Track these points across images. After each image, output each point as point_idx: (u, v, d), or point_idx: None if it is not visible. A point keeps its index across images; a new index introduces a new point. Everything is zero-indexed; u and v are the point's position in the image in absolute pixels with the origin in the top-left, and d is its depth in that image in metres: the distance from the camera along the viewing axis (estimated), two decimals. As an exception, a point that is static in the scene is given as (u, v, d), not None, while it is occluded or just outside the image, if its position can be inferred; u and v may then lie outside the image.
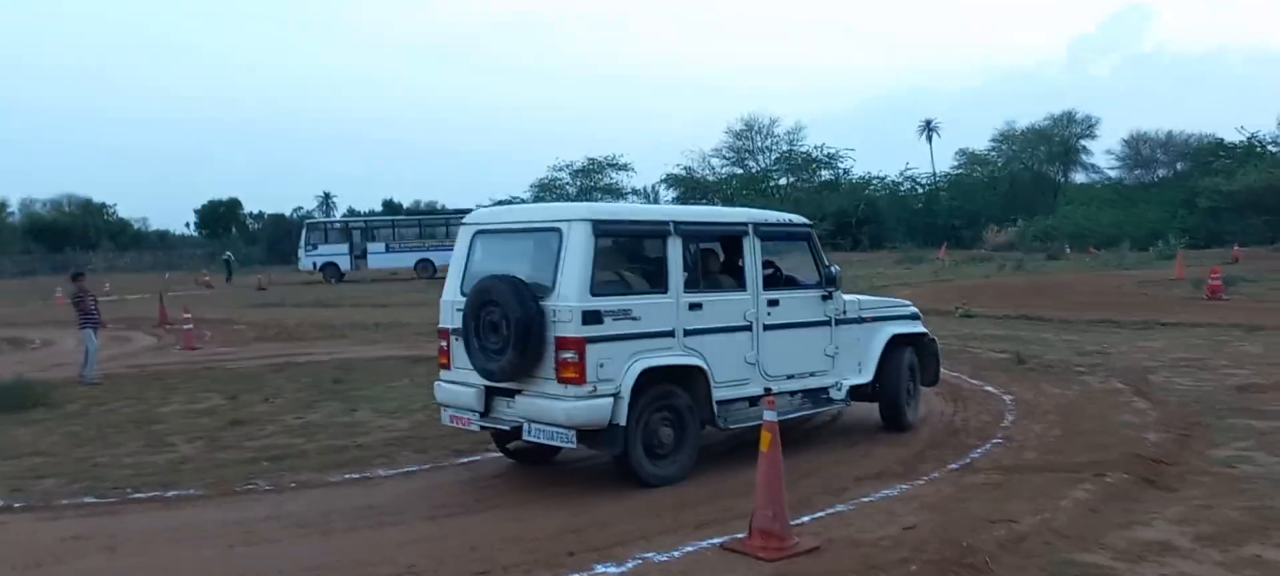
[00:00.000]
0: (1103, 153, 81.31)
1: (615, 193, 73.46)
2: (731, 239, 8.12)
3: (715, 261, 8.12)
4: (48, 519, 6.86)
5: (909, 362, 9.09)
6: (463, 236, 7.89)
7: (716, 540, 5.86)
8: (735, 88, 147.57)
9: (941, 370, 9.88)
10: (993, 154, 74.97)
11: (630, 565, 5.53)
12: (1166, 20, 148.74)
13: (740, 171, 77.40)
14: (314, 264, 45.22)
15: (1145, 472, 7.18)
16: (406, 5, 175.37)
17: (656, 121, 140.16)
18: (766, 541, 5.61)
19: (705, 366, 7.39)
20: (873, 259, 48.47)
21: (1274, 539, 5.65)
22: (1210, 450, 7.88)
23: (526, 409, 7.08)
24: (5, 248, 69.58)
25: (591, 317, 6.86)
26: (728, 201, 64.18)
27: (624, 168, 76.68)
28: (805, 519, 6.24)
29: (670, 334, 7.27)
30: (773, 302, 7.95)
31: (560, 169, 75.94)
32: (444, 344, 7.78)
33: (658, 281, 7.38)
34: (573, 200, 65.03)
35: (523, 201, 70.51)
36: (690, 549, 5.77)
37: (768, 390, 7.70)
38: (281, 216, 79.97)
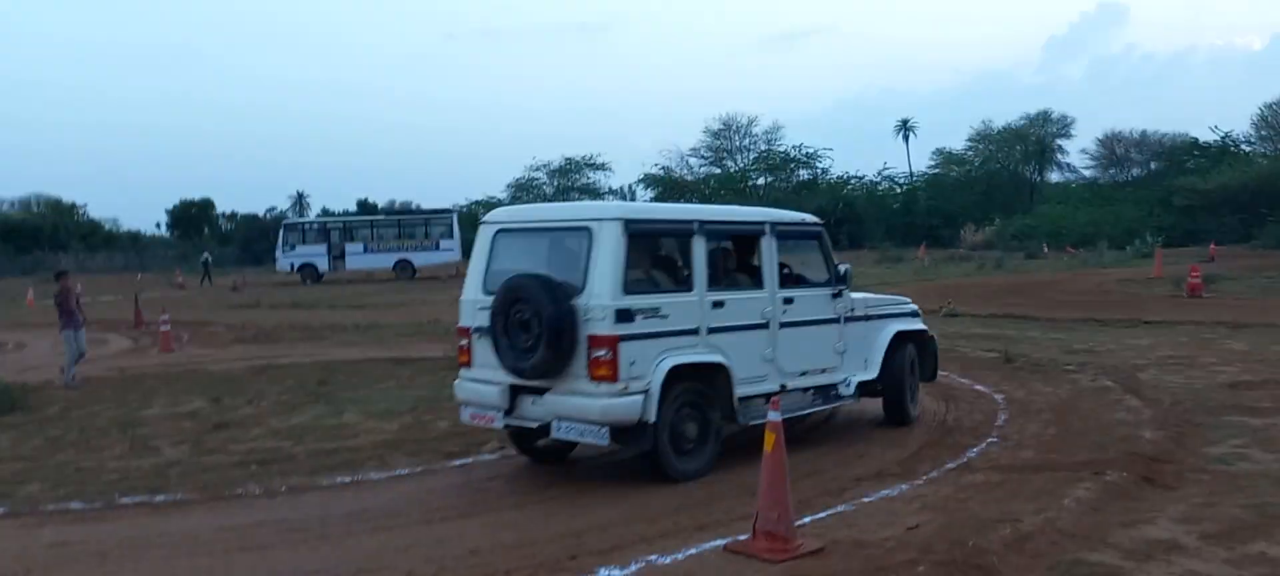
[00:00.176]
0: (1078, 152, 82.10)
1: (593, 193, 73.21)
2: (750, 238, 8.26)
3: (733, 260, 8.23)
4: (33, 525, 6.71)
5: (911, 359, 9.25)
6: (483, 235, 7.92)
7: (719, 542, 5.80)
8: (712, 88, 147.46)
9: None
10: (969, 153, 75.36)
11: (634, 568, 5.45)
12: (1136, 22, 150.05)
13: (718, 171, 77.36)
14: (292, 264, 44.76)
15: (1144, 471, 7.17)
16: (377, 7, 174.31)
17: (633, 122, 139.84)
18: (772, 543, 5.56)
19: (727, 363, 7.50)
20: (853, 258, 47.76)
21: (1278, 536, 5.64)
22: (1206, 448, 7.90)
23: (555, 406, 7.15)
24: (-29, 249, 68.45)
25: (624, 316, 6.96)
26: (706, 201, 64.20)
27: (601, 167, 76.51)
28: (806, 520, 6.19)
29: (695, 332, 7.39)
30: (788, 301, 8.12)
31: (537, 169, 75.68)
32: (464, 342, 7.80)
33: (683, 280, 7.54)
34: (550, 200, 64.91)
35: (500, 202, 70.33)
36: (693, 551, 5.70)
37: (783, 387, 7.91)
38: (255, 216, 79.18)
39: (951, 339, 15.60)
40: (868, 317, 8.93)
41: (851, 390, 8.66)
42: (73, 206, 78.81)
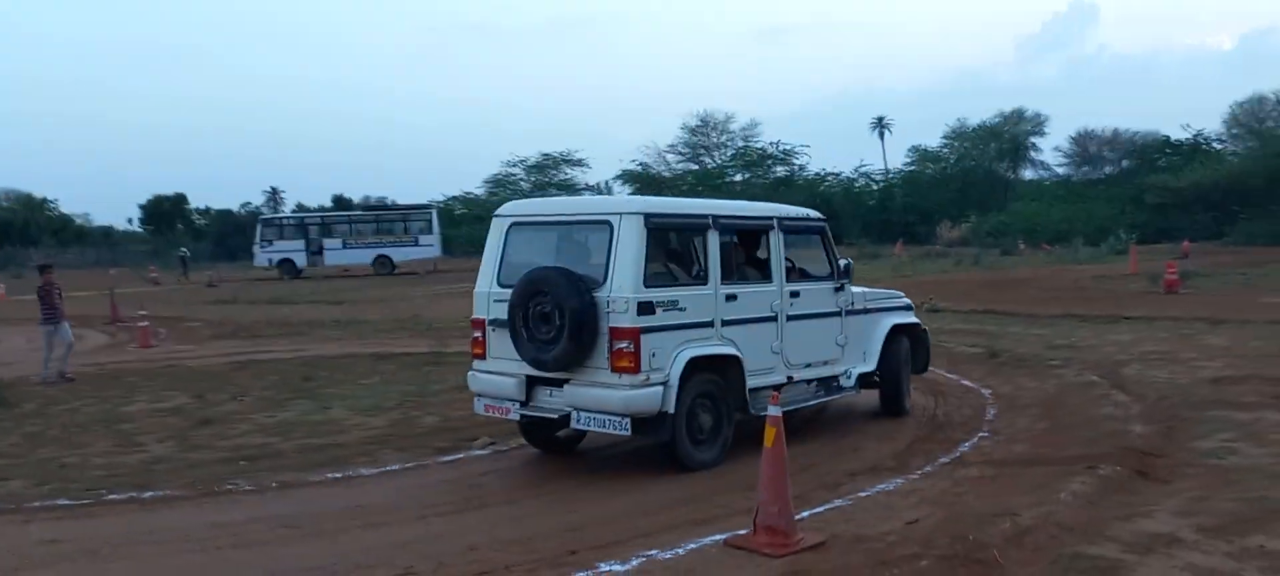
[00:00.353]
0: (1051, 150, 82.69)
1: (570, 188, 72.90)
2: (758, 232, 8.39)
3: (742, 254, 8.33)
4: (19, 521, 6.61)
5: (906, 351, 9.44)
6: (496, 228, 7.96)
7: (719, 536, 5.77)
8: (689, 85, 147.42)
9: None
10: (945, 151, 75.70)
11: (635, 563, 5.41)
12: (1107, 22, 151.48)
13: (696, 167, 77.30)
14: (269, 260, 44.37)
15: (1137, 465, 7.21)
16: (353, 2, 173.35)
17: (611, 118, 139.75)
18: (772, 537, 5.54)
19: (740, 355, 7.62)
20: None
21: (1276, 529, 5.67)
22: (1195, 442, 7.93)
23: (575, 397, 7.21)
24: (-59, 244, 67.43)
25: (645, 308, 7.05)
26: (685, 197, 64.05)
27: (579, 163, 76.26)
28: (805, 514, 6.17)
29: (710, 324, 7.51)
30: (794, 294, 8.27)
31: (515, 165, 75.31)
32: (478, 334, 7.82)
33: (698, 273, 7.66)
34: (526, 196, 64.66)
35: (478, 198, 70.10)
36: (693, 546, 5.67)
37: (790, 378, 8.10)
38: (229, 212, 78.50)
39: (935, 334, 15.54)
40: (866, 311, 9.10)
41: (852, 382, 8.84)
42: (44, 201, 77.83)
